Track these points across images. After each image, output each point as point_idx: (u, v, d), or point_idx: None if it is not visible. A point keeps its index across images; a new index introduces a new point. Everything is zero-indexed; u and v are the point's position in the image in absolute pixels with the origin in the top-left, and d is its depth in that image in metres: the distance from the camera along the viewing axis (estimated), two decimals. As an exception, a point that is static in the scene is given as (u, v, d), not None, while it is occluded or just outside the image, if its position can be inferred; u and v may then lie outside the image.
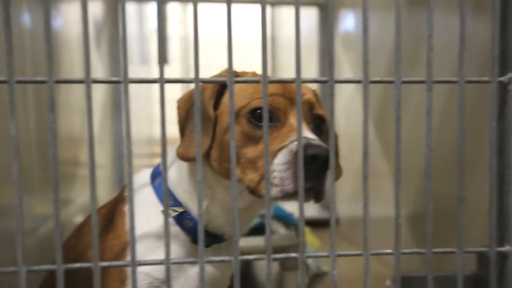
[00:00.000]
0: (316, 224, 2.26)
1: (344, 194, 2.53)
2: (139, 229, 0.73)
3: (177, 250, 0.75)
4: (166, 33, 3.83)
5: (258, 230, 1.51)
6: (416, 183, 1.67)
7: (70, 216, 1.81)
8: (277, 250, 1.46)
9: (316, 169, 0.61)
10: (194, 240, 0.76)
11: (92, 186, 0.47)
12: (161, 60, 0.47)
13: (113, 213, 0.78)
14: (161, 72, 0.48)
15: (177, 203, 0.76)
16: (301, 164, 0.50)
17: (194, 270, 0.76)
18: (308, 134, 0.67)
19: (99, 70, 2.41)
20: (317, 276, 1.77)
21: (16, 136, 0.48)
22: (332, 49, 0.49)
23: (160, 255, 0.72)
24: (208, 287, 0.78)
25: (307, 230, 1.89)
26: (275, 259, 0.53)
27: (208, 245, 0.78)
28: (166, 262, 0.49)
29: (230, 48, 0.50)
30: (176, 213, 0.75)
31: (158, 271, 0.72)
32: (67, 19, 1.84)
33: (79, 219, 1.88)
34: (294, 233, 1.51)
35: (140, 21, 3.46)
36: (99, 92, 2.46)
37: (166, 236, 0.48)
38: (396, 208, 0.51)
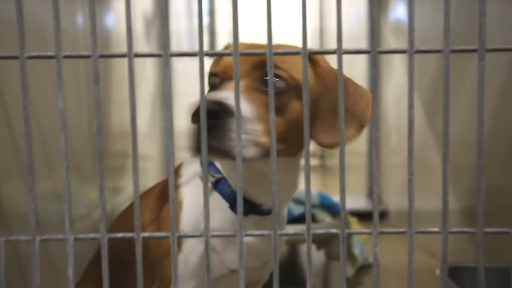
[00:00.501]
0: (364, 216, 2.21)
1: (393, 187, 2.47)
2: (192, 201, 0.79)
3: (218, 218, 0.78)
4: (214, 27, 3.87)
5: (303, 219, 1.49)
6: (469, 179, 1.59)
7: (120, 205, 1.88)
8: (323, 239, 1.44)
9: (211, 125, 0.61)
10: (231, 207, 0.78)
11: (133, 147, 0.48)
12: (200, 29, 0.47)
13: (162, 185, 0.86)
14: (201, 44, 0.48)
15: (218, 172, 0.80)
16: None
17: (244, 240, 0.77)
18: (224, 92, 0.66)
19: (148, 63, 2.47)
20: (364, 268, 1.74)
21: (63, 108, 0.50)
22: (375, 17, 0.47)
23: (211, 223, 0.76)
24: (255, 259, 0.80)
25: (354, 221, 1.86)
26: (314, 235, 0.52)
27: (246, 213, 0.78)
28: (205, 234, 0.50)
29: (270, 19, 0.49)
30: (214, 179, 0.77)
31: (211, 240, 0.76)
32: (118, 18, 1.90)
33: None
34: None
35: (189, 17, 3.51)
36: (149, 88, 2.53)
37: (205, 207, 0.49)
38: (443, 183, 0.48)
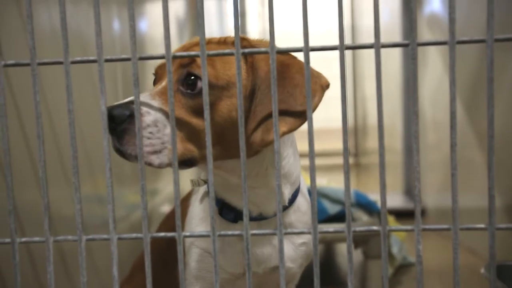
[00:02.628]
0: (402, 215, 2.17)
1: (432, 185, 2.41)
2: (195, 206, 0.83)
3: (207, 223, 0.79)
4: (245, 29, 3.88)
5: (338, 218, 1.48)
6: (511, 175, 1.54)
7: (157, 206, 1.91)
8: (360, 237, 1.42)
9: (119, 131, 0.63)
10: (219, 211, 0.78)
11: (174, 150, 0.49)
12: (236, 26, 0.48)
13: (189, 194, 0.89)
14: (237, 43, 0.49)
15: None
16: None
17: (240, 245, 0.77)
18: (143, 97, 0.66)
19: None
20: (403, 267, 1.70)
21: (105, 111, 0.51)
22: (413, 8, 0.46)
23: (204, 228, 0.80)
24: (254, 264, 0.79)
25: (391, 219, 1.83)
26: (353, 233, 0.51)
27: (235, 220, 0.77)
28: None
29: (306, 17, 0.49)
30: (205, 184, 0.78)
31: (204, 242, 0.78)
32: (151, 22, 1.95)
33: (165, 208, 1.99)
34: (377, 221, 1.46)
35: (220, 18, 3.55)
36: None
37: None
38: (489, 177, 0.47)
